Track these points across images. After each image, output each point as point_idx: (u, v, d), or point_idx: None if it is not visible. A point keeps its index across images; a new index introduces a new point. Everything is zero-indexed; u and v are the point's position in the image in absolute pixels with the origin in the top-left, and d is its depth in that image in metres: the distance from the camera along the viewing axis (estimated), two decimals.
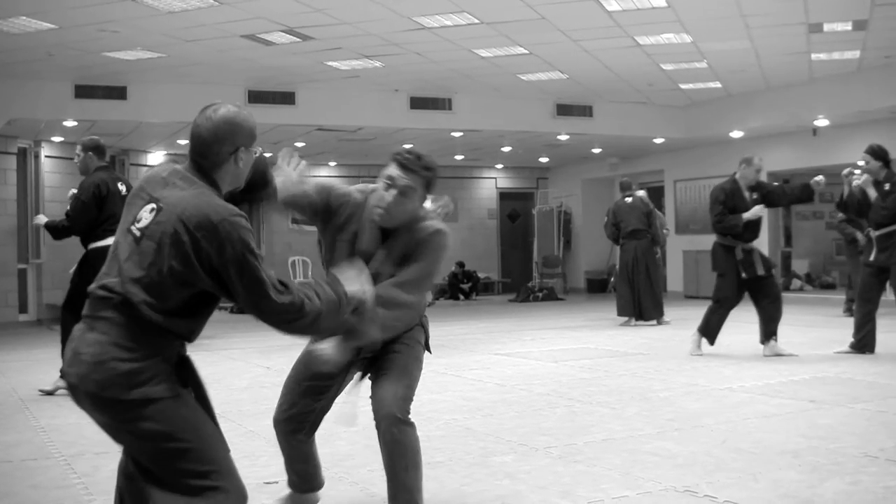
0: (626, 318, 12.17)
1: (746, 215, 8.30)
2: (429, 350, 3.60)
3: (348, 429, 3.46)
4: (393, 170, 3.28)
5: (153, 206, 2.59)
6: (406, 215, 3.30)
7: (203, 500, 2.50)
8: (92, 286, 2.61)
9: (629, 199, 12.26)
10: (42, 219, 7.46)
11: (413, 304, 3.33)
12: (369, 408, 3.32)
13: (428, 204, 7.28)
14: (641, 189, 12.74)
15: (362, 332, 3.02)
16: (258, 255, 2.55)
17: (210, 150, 2.66)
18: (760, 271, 8.31)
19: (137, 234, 2.57)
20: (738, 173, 8.48)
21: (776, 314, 8.31)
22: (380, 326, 3.11)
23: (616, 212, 12.37)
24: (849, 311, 11.87)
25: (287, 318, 2.59)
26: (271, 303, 2.55)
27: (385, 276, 3.29)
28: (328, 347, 3.09)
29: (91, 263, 6.98)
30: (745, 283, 8.33)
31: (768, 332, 8.32)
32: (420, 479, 3.38)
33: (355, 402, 3.51)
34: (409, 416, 3.34)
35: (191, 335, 2.65)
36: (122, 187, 7.14)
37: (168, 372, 2.55)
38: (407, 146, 3.36)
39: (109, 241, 6.88)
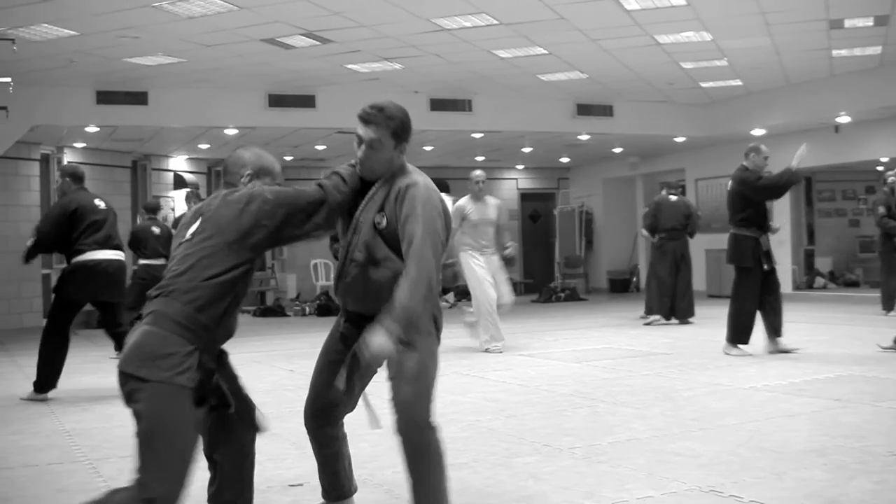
0: (654, 317, 12.18)
1: (794, 163, 8.17)
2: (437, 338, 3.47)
3: (374, 430, 3.43)
4: (359, 128, 3.32)
5: (199, 215, 3.14)
6: (382, 165, 3.32)
7: (130, 490, 2.70)
8: (149, 291, 3.02)
9: (674, 198, 12.31)
10: (29, 243, 7.56)
11: (431, 266, 3.18)
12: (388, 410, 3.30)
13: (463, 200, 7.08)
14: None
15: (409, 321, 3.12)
16: (286, 191, 3.10)
17: (227, 171, 3.34)
18: (776, 262, 8.33)
19: (189, 237, 3.06)
20: (746, 162, 8.44)
21: (780, 309, 8.30)
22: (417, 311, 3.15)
23: (659, 204, 12.40)
24: (889, 307, 11.79)
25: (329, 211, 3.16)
26: (319, 215, 3.11)
27: (367, 223, 3.28)
28: (378, 339, 3.08)
29: (69, 280, 7.09)
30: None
31: (776, 327, 8.29)
32: (445, 483, 3.33)
33: (370, 405, 3.49)
34: (431, 420, 3.28)
35: (226, 318, 3.01)
36: (98, 203, 7.30)
37: (196, 367, 2.82)
38: (376, 104, 3.36)
39: (90, 255, 7.05)
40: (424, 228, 3.18)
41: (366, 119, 3.31)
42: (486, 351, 9.30)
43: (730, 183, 8.57)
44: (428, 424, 3.27)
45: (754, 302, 8.29)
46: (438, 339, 3.43)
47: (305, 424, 3.53)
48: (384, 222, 3.26)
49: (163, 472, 2.70)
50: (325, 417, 3.49)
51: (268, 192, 3.08)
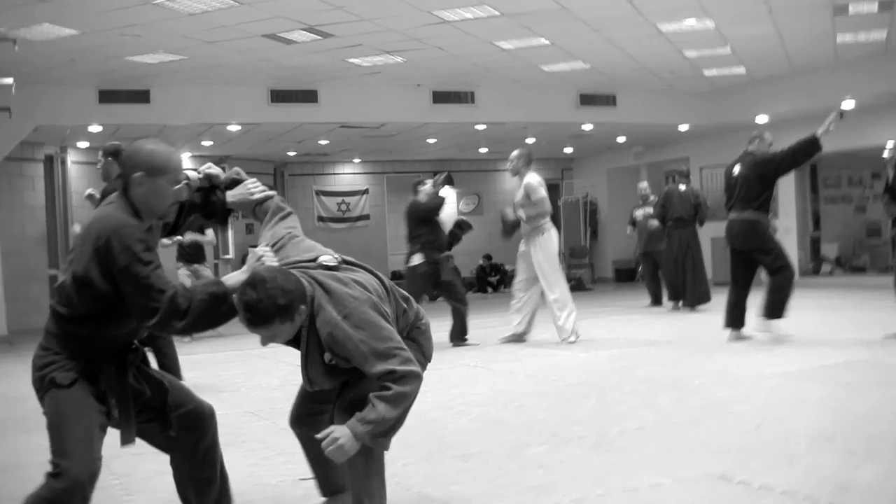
0: (674, 303, 12.30)
1: (820, 130, 8.16)
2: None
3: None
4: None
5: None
6: (293, 332, 3.14)
7: (46, 476, 2.95)
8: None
9: (682, 188, 12.33)
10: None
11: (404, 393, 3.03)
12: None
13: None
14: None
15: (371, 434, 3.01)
16: (147, 261, 2.92)
17: (123, 170, 3.12)
18: None
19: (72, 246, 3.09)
20: (751, 148, 8.42)
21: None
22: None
23: (669, 194, 12.46)
24: None
25: (164, 318, 2.93)
26: (152, 306, 2.92)
27: (319, 373, 3.17)
28: (342, 439, 2.98)
29: None
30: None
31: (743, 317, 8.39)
32: (376, 486, 3.26)
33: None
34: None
35: (101, 338, 3.05)
36: None
37: (75, 368, 3.02)
38: (249, 301, 2.99)
39: None
40: (380, 358, 3.01)
41: (253, 324, 3.02)
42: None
43: (737, 168, 8.48)
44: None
45: (792, 270, 8.25)
46: (423, 367, 3.30)
47: (290, 427, 3.62)
48: (335, 360, 3.11)
49: (63, 452, 2.95)
50: (307, 425, 3.52)
51: (122, 259, 2.89)
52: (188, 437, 3.25)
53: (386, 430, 3.04)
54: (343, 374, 3.16)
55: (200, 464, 3.29)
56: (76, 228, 7.69)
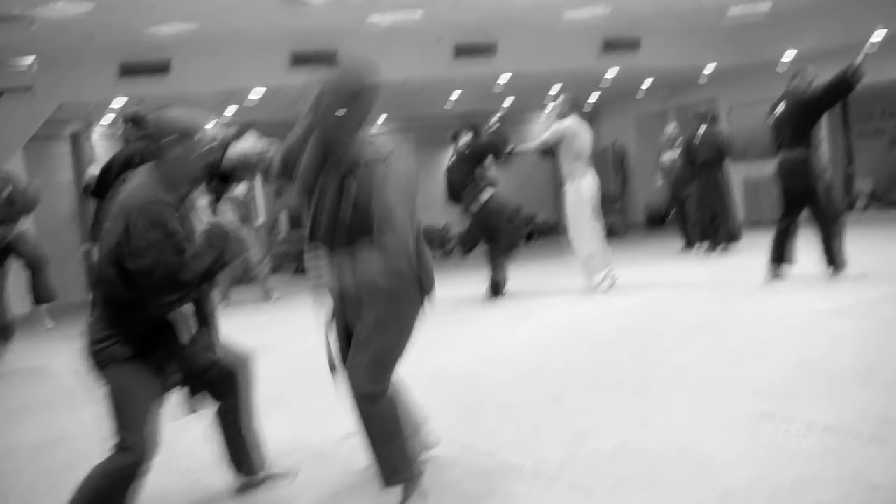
0: (707, 244, 12.27)
1: (859, 58, 8.07)
2: (427, 296, 3.34)
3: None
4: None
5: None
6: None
7: (113, 448, 3.11)
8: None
9: (701, 131, 12.16)
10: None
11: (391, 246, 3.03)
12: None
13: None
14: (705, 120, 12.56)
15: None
16: (174, 232, 3.09)
17: (153, 138, 3.25)
18: None
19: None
20: (793, 85, 8.29)
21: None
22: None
23: (690, 140, 12.31)
24: None
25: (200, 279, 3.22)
26: (186, 273, 3.14)
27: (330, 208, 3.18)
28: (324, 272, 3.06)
29: None
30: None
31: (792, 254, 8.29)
32: (398, 448, 3.26)
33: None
34: (378, 386, 3.19)
35: (144, 308, 3.16)
36: None
37: (127, 340, 3.16)
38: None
39: None
40: (387, 222, 3.07)
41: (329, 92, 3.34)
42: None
43: (781, 106, 8.31)
44: (373, 393, 3.18)
45: (836, 216, 8.07)
46: (420, 303, 3.31)
47: (331, 372, 3.63)
48: (353, 204, 3.15)
49: (127, 426, 3.11)
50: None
51: (150, 237, 3.06)
52: (219, 394, 3.49)
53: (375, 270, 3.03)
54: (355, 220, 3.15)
55: (233, 418, 3.55)
56: (92, 169, 7.80)
